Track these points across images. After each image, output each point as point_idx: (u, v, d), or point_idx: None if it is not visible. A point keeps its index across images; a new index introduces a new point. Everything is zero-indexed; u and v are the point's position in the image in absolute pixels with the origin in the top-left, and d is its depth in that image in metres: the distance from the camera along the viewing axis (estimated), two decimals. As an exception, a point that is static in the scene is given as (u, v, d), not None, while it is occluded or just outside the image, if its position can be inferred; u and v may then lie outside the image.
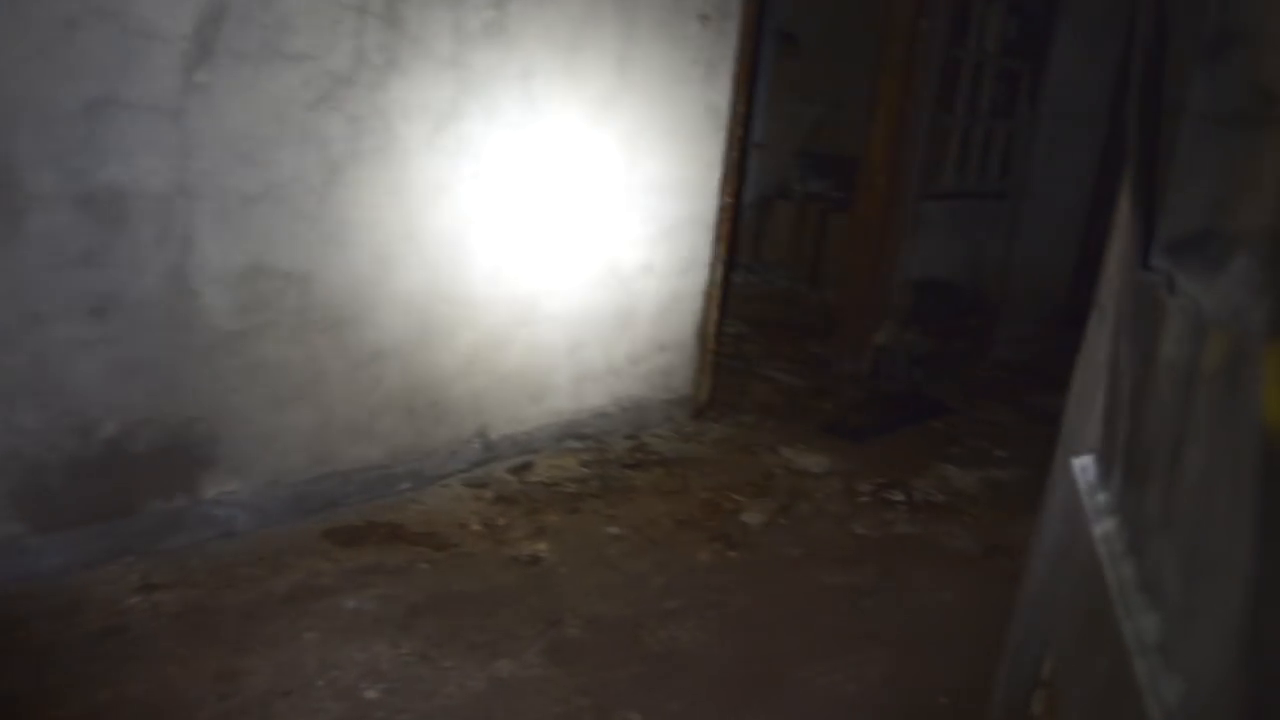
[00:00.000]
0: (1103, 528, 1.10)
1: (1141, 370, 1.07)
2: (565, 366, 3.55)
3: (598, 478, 3.44)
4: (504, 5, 2.99)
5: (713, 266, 3.96)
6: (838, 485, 3.67)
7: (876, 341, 4.92)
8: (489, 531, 2.96)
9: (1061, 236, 6.17)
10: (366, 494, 3.02)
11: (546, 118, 3.21)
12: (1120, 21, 5.91)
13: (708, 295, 3.98)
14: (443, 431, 3.21)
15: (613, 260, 3.58)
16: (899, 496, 3.64)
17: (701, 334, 4.03)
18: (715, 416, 4.17)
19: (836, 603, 2.87)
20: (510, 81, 3.08)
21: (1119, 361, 1.23)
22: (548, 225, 3.33)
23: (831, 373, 5.00)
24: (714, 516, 3.28)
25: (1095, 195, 6.33)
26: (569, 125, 3.28)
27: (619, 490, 3.38)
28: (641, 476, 3.51)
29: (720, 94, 3.75)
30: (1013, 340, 5.93)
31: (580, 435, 3.65)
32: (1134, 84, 1.16)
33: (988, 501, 3.71)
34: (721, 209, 3.90)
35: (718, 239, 3.93)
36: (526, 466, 3.41)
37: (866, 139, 4.81)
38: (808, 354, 5.30)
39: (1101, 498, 1.19)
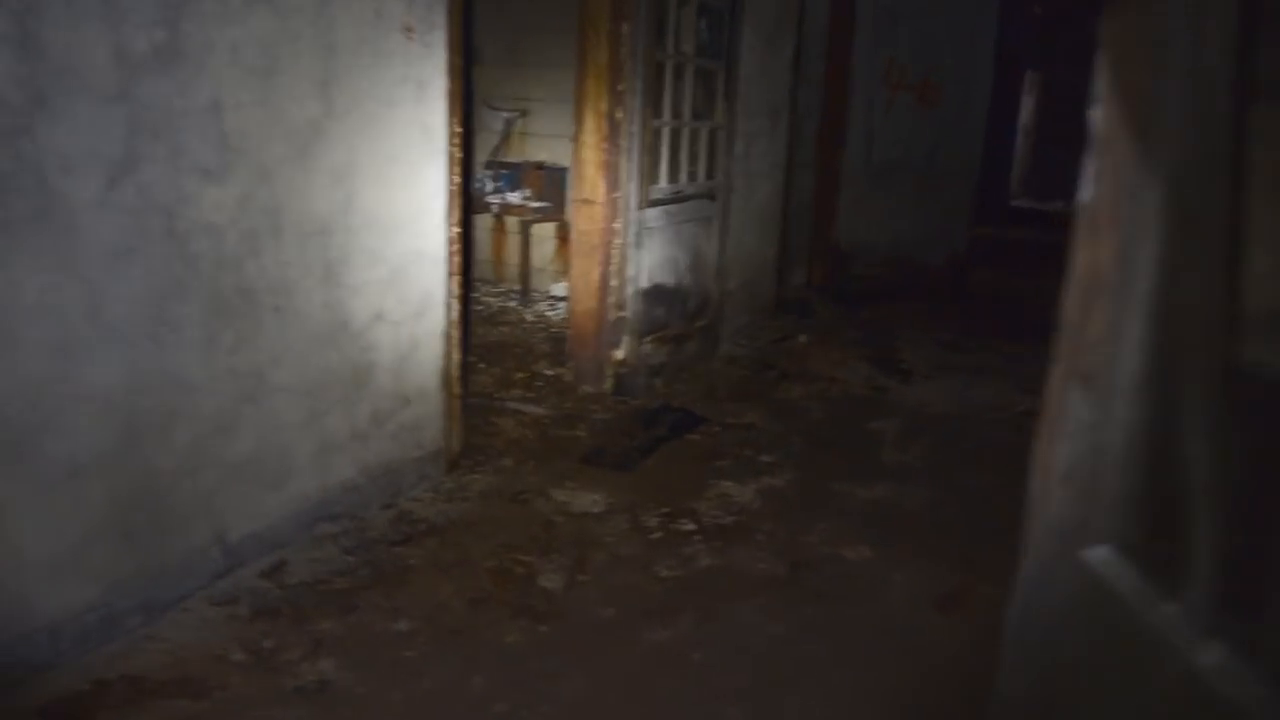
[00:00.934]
0: (1212, 659, 0.89)
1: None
2: (305, 441, 3.04)
3: (366, 564, 2.97)
4: (176, 24, 2.46)
5: (448, 305, 3.58)
6: (623, 524, 3.42)
7: (616, 358, 4.72)
8: (256, 659, 2.43)
9: (765, 229, 6.29)
10: (87, 644, 2.39)
11: (246, 157, 2.70)
12: (792, 21, 6.10)
13: (447, 337, 3.60)
14: (171, 546, 2.62)
15: (341, 314, 3.12)
16: (689, 525, 3.44)
17: (446, 380, 3.63)
18: (472, 466, 3.79)
19: (670, 664, 2.61)
20: (197, 117, 2.56)
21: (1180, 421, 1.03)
22: (263, 282, 2.81)
23: (574, 396, 4.75)
24: (508, 586, 2.92)
25: (786, 187, 6.53)
26: (273, 163, 2.78)
27: (394, 574, 2.93)
28: (414, 552, 3.08)
29: (434, 114, 3.37)
30: (734, 334, 5.97)
31: (333, 516, 3.15)
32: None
33: (773, 514, 3.60)
34: (450, 240, 3.53)
35: (450, 274, 3.55)
36: (280, 567, 2.87)
37: (576, 148, 4.60)
38: (544, 378, 5.02)
39: (1170, 612, 0.99)
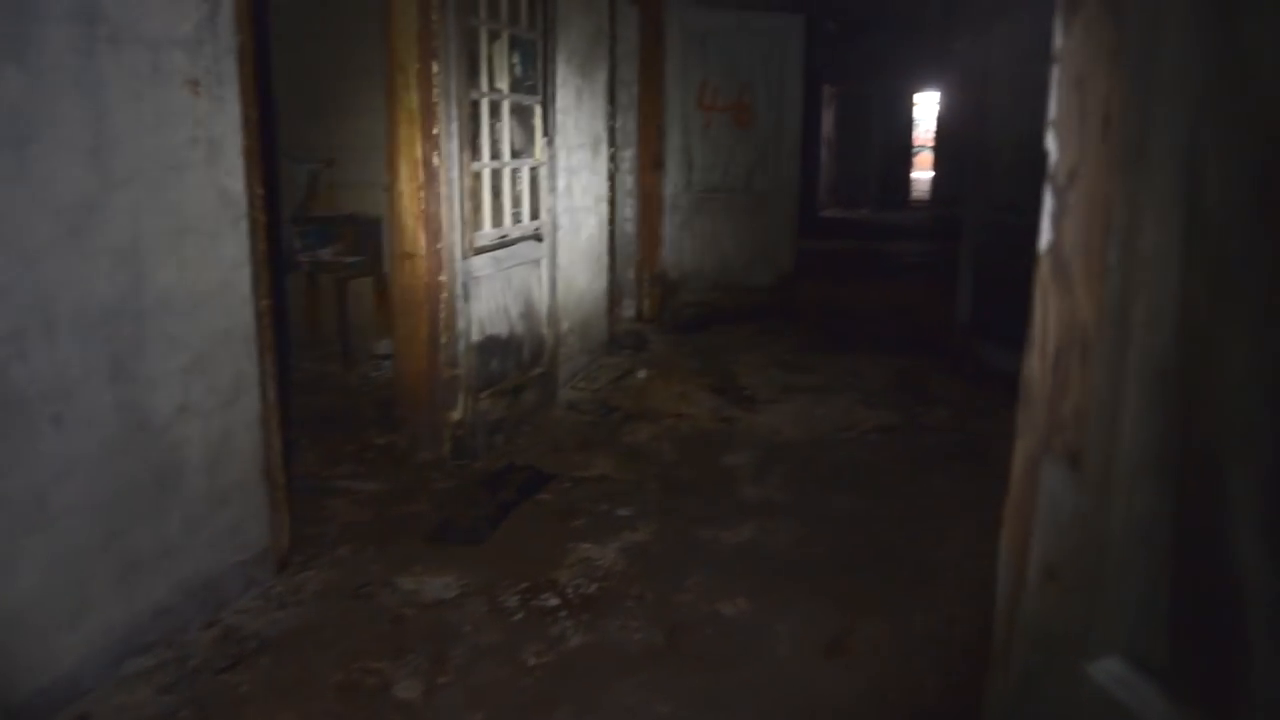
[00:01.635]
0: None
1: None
2: (104, 566, 2.61)
3: (188, 702, 2.56)
4: (-100, 96, 2.05)
5: (264, 386, 3.20)
6: (481, 607, 3.12)
7: (452, 419, 4.41)
8: None
9: (594, 265, 6.10)
10: None
11: (1, 243, 2.29)
12: (604, 49, 5.94)
13: (265, 423, 3.21)
14: (-61, 724, 2.17)
15: (137, 413, 2.71)
16: (552, 600, 3.18)
17: (268, 470, 3.24)
18: (305, 562, 3.41)
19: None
20: (-65, 203, 2.14)
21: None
22: (36, 389, 2.39)
23: (410, 464, 4.40)
24: (360, 704, 2.58)
25: (611, 219, 6.36)
26: (37, 248, 2.37)
27: (223, 709, 2.54)
28: (246, 678, 2.69)
29: (231, 176, 3.00)
30: (572, 377, 5.74)
31: (145, 647, 2.73)
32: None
33: (640, 574, 3.38)
34: (260, 314, 3.15)
35: (263, 351, 3.18)
36: (82, 724, 2.44)
37: (392, 198, 4.27)
38: (375, 448, 4.64)
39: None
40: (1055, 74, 1.02)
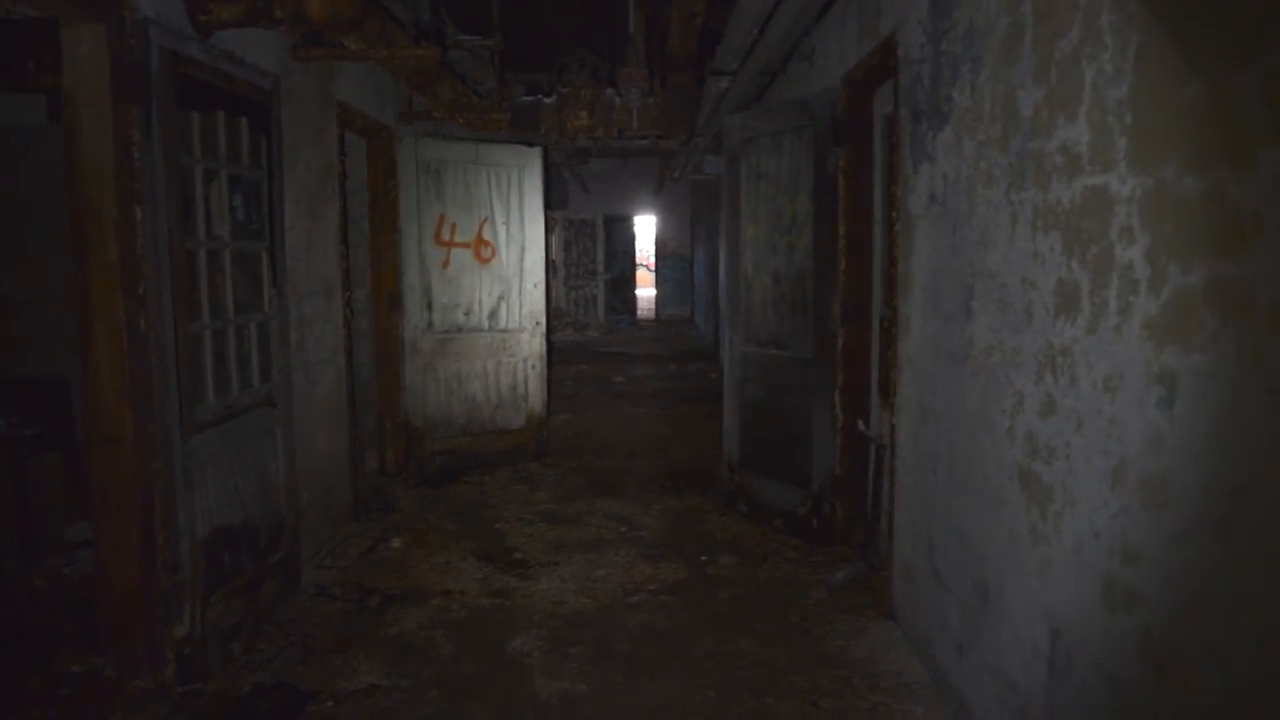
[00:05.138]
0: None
1: None
2: None
3: None
4: None
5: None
6: None
7: (177, 635, 3.58)
8: None
9: (334, 424, 5.43)
10: None
11: None
12: (334, 185, 5.42)
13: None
14: None
15: None
16: None
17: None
18: None
19: None
20: None
21: None
22: None
23: (123, 699, 3.51)
24: None
25: (350, 368, 5.75)
26: None
27: None
28: None
29: None
30: (316, 554, 4.99)
31: None
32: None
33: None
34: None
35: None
36: None
37: (88, 371, 3.48)
38: (72, 678, 3.70)
39: None
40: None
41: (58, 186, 3.59)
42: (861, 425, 5.11)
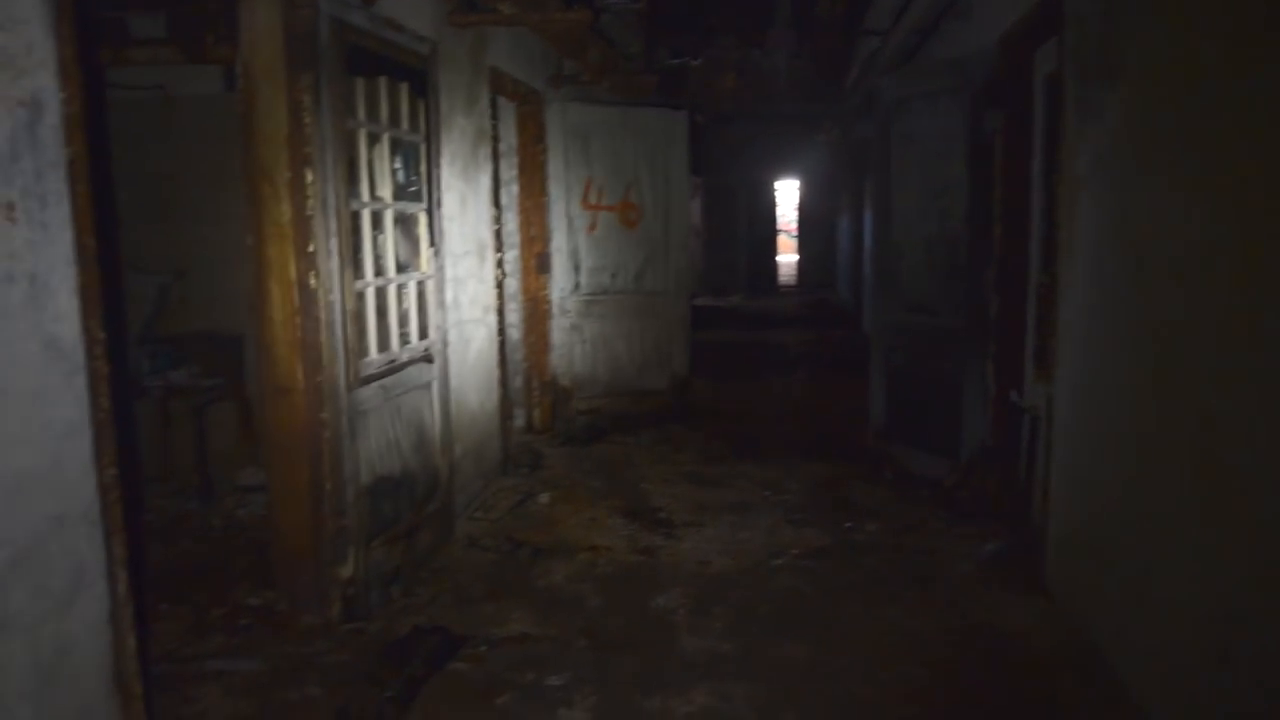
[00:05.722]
0: None
1: None
2: None
3: None
4: None
5: (112, 576, 2.55)
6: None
7: (342, 575, 3.78)
8: None
9: (486, 381, 5.59)
10: None
11: None
12: (487, 148, 5.54)
13: (115, 621, 2.56)
14: None
15: (-63, 638, 2.05)
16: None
17: (120, 680, 2.58)
18: (168, 789, 2.73)
19: None
20: None
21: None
22: None
23: (294, 631, 3.74)
24: None
25: (501, 328, 5.90)
26: None
27: None
28: None
29: (62, 320, 2.40)
30: (468, 506, 5.16)
31: None
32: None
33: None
34: (104, 488, 2.52)
35: (109, 533, 2.54)
36: None
37: (261, 324, 3.69)
38: (249, 610, 3.96)
39: None
40: None
41: (231, 151, 3.80)
42: (1014, 395, 4.96)
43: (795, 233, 23.48)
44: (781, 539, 4.84)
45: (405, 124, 4.24)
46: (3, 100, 2.18)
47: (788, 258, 24.63)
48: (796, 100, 9.18)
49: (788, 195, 23.83)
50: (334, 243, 3.63)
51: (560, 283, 7.03)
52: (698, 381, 8.62)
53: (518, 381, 7.14)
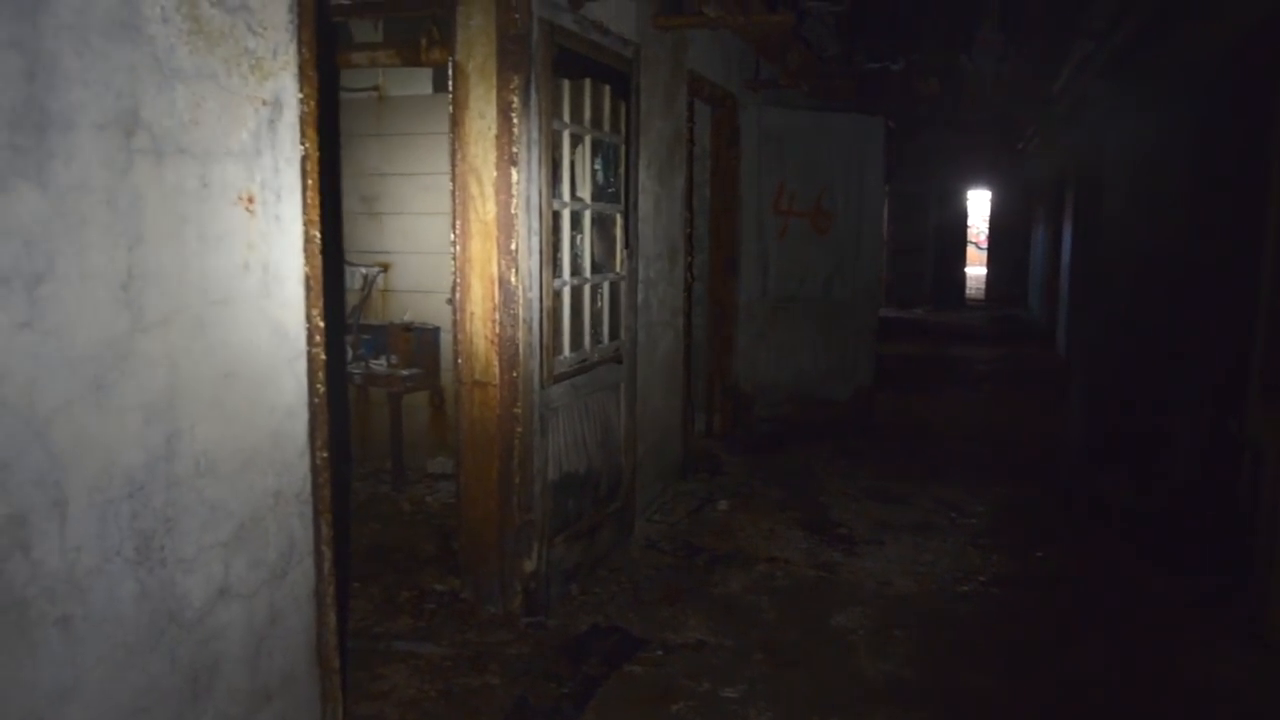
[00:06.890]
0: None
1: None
2: (114, 807, 2.06)
3: None
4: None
5: (319, 554, 2.67)
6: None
7: (525, 569, 3.85)
8: None
9: (670, 383, 5.59)
10: None
11: (2, 408, 1.80)
12: (682, 151, 5.54)
13: (319, 597, 2.68)
14: None
15: (167, 602, 2.18)
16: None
17: (320, 653, 2.70)
18: (360, 763, 2.84)
19: None
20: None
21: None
22: (38, 586, 1.88)
23: (476, 620, 3.84)
24: None
25: (688, 331, 5.90)
26: (49, 409, 1.88)
27: None
28: None
29: (288, 307, 2.53)
30: (646, 508, 5.18)
31: None
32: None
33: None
34: (316, 469, 2.64)
35: (318, 512, 2.66)
36: None
37: (461, 319, 3.79)
38: (435, 596, 4.09)
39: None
40: None
41: (437, 151, 3.92)
42: (1232, 423, 4.59)
43: (985, 245, 22.60)
44: (967, 563, 4.64)
45: (606, 126, 4.29)
46: (249, 99, 2.31)
47: (976, 270, 23.76)
48: (999, 105, 8.82)
49: (978, 205, 23.00)
50: (535, 241, 3.70)
51: (748, 287, 6.98)
52: (880, 394, 8.40)
53: (699, 385, 7.14)
